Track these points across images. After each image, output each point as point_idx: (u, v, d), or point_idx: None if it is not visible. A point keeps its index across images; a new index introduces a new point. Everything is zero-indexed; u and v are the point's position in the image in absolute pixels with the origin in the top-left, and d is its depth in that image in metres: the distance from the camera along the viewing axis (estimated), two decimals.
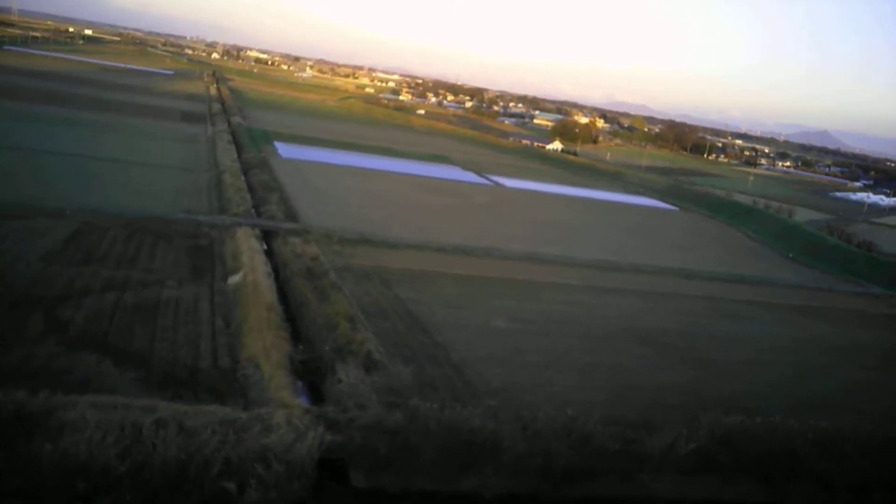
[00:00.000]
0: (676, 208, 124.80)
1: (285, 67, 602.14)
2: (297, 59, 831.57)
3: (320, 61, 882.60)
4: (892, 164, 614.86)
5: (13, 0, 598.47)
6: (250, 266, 46.53)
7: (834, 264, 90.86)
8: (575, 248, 73.88)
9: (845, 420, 36.46)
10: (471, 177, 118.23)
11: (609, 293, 58.09)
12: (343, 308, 41.40)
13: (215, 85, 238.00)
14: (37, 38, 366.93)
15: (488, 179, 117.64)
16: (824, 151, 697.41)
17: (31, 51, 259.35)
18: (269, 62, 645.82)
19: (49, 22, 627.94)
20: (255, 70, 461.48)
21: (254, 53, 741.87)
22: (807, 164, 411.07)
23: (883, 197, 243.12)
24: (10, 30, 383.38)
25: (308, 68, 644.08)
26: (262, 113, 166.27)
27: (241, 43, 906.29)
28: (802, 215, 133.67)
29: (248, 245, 51.25)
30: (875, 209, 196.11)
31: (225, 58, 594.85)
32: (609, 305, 54.02)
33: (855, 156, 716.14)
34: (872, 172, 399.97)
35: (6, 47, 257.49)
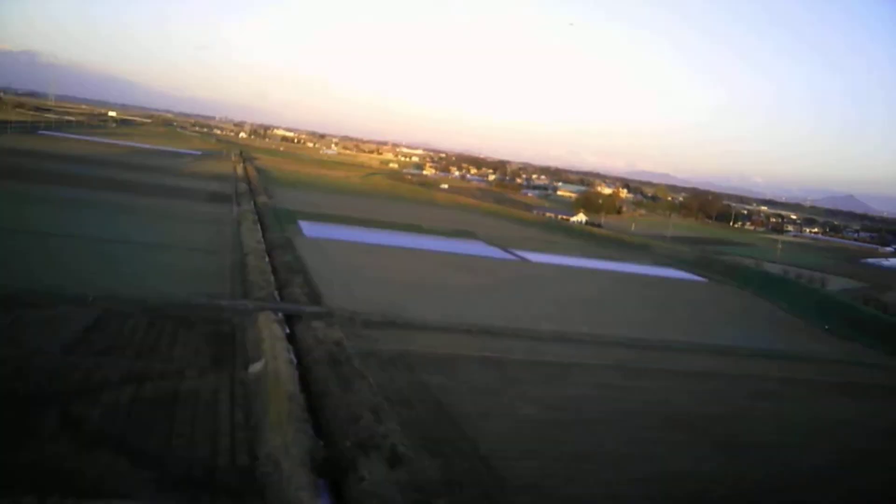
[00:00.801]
0: (705, 280, 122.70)
1: (311, 145, 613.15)
2: (322, 136, 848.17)
3: (345, 138, 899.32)
4: None
5: (50, 86, 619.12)
6: (271, 354, 45.47)
7: (873, 336, 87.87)
8: (604, 325, 72.22)
9: None
10: (496, 252, 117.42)
11: (640, 374, 56.14)
12: (366, 397, 40.07)
13: (242, 164, 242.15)
14: (71, 121, 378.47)
15: (514, 255, 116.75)
16: (851, 216, 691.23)
17: (64, 135, 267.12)
18: (296, 140, 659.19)
19: (84, 106, 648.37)
20: (282, 148, 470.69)
21: (280, 132, 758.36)
22: (835, 230, 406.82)
23: None
24: (47, 115, 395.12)
25: (333, 145, 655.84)
26: (287, 191, 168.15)
27: (268, 122, 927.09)
28: (835, 284, 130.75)
29: (269, 331, 50.31)
30: None
31: (252, 137, 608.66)
32: (641, 388, 52.03)
33: (883, 219, 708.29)
34: None
35: (41, 132, 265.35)
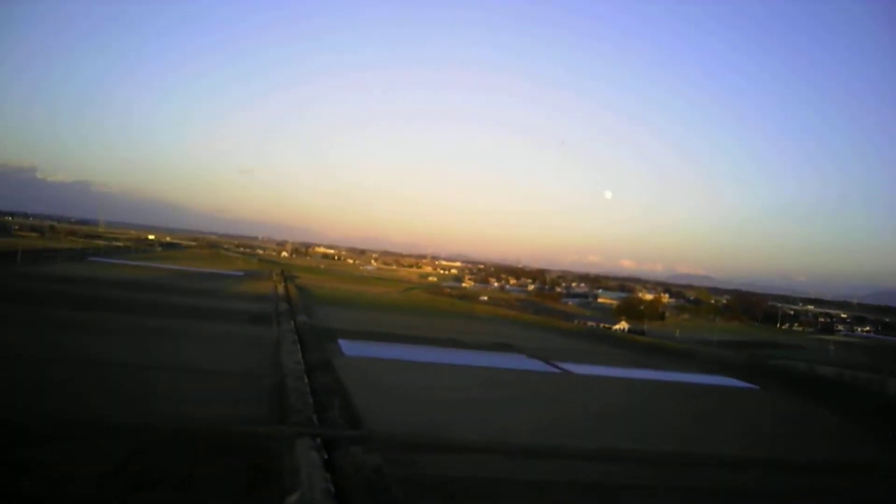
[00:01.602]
0: (756, 386, 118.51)
1: (351, 261, 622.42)
2: (362, 252, 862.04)
3: (385, 253, 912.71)
4: None
5: (100, 213, 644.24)
6: (308, 484, 44.15)
7: None
8: (651, 440, 69.38)
9: None
10: (537, 365, 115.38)
11: (695, 494, 53.31)
12: None
13: (283, 283, 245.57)
14: (119, 247, 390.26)
15: (555, 367, 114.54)
16: None
17: (112, 260, 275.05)
18: (336, 257, 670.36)
19: (132, 231, 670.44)
20: (322, 266, 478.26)
21: (321, 250, 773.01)
22: (887, 327, 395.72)
23: None
24: (96, 241, 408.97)
25: (373, 261, 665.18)
26: (327, 309, 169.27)
27: (309, 240, 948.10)
28: (894, 385, 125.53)
29: (306, 459, 49.08)
30: None
31: (294, 255, 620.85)
32: None
33: None
34: None
35: (90, 258, 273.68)
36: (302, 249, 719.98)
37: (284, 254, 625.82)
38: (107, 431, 52.08)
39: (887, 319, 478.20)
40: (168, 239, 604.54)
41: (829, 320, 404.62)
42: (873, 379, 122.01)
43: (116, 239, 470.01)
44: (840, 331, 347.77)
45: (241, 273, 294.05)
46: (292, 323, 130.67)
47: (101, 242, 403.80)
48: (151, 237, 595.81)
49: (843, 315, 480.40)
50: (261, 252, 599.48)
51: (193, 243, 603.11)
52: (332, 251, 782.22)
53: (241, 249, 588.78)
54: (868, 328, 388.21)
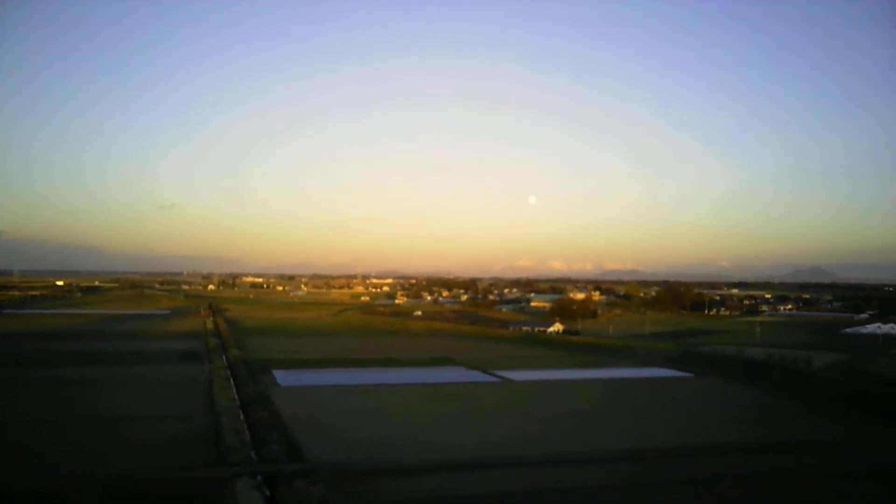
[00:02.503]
0: (691, 374, 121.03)
1: (280, 288, 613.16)
2: (291, 278, 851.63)
3: (315, 276, 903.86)
4: (891, 289, 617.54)
5: (13, 262, 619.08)
6: None
7: (870, 412, 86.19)
8: (596, 440, 69.71)
9: None
10: (477, 376, 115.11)
11: (643, 491, 53.46)
12: None
13: (212, 318, 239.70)
14: (35, 296, 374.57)
15: (495, 376, 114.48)
16: (820, 287, 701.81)
17: (28, 311, 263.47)
18: (265, 285, 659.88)
19: (49, 279, 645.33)
20: (251, 296, 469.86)
21: (249, 279, 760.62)
22: (808, 304, 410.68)
23: (894, 325, 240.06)
24: (10, 292, 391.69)
25: (303, 286, 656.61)
26: (259, 340, 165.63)
27: (236, 270, 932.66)
28: (819, 360, 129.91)
29: (247, 499, 47.34)
30: (891, 340, 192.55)
31: (221, 288, 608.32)
32: None
33: (852, 286, 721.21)
34: (875, 301, 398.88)
35: (5, 311, 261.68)
36: (229, 281, 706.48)
37: (211, 287, 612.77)
38: (27, 495, 49.12)
39: (807, 296, 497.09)
40: (84, 283, 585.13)
41: (753, 302, 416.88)
42: (799, 356, 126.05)
43: (32, 288, 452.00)
44: (764, 311, 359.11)
45: (167, 311, 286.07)
46: (224, 358, 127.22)
47: (16, 293, 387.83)
48: (69, 282, 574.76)
49: (766, 295, 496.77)
50: (186, 287, 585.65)
51: (115, 285, 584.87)
52: (260, 280, 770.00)
53: (166, 287, 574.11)
54: (790, 306, 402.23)
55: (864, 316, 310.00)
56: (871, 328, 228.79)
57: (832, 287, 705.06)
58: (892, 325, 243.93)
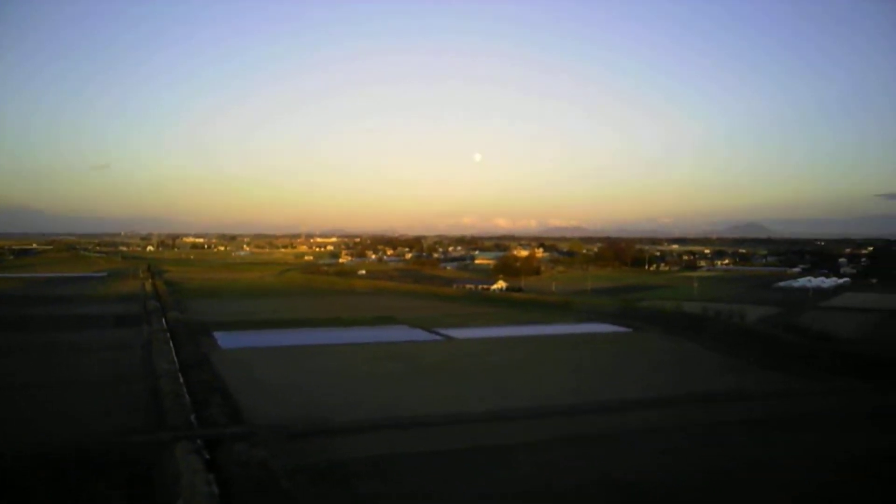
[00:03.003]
0: (630, 329, 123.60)
1: (222, 248, 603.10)
2: (233, 238, 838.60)
3: (258, 236, 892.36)
4: (822, 243, 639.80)
5: None
6: (190, 491, 42.09)
7: (798, 363, 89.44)
8: (538, 396, 70.88)
9: None
10: (420, 334, 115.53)
11: (580, 443, 54.62)
12: None
13: (150, 280, 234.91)
14: None
15: (438, 334, 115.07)
16: (757, 242, 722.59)
17: None
18: (206, 246, 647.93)
19: None
20: (192, 257, 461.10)
21: (190, 240, 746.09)
22: (744, 259, 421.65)
23: (823, 279, 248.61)
24: None
25: (245, 246, 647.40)
26: (200, 302, 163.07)
27: (176, 231, 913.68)
28: (753, 313, 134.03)
29: (187, 463, 46.81)
30: (820, 293, 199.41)
31: (160, 249, 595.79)
32: (582, 458, 50.44)
33: (786, 241, 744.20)
34: (807, 255, 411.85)
35: None
36: (169, 242, 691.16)
37: (150, 248, 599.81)
38: None
39: (743, 251, 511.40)
40: (28, 246, 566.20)
41: (692, 257, 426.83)
42: (734, 310, 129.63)
43: None
44: (703, 266, 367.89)
45: (104, 273, 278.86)
46: (163, 321, 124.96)
47: None
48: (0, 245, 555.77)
49: (705, 251, 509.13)
50: (124, 249, 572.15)
51: (49, 247, 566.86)
52: (201, 240, 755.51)
53: (103, 248, 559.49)
54: (727, 261, 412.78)
55: (796, 270, 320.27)
56: (803, 282, 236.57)
57: (768, 242, 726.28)
58: (822, 278, 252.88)
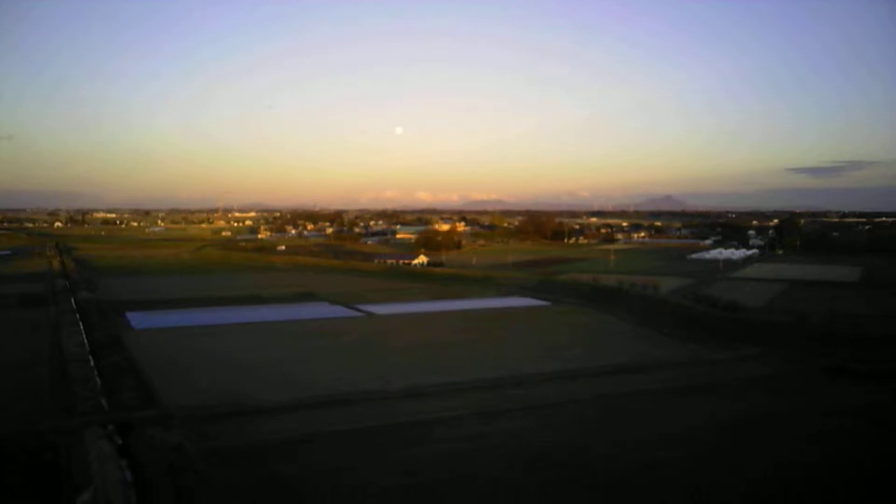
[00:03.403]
0: (549, 303, 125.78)
1: (135, 225, 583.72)
2: (147, 213, 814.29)
3: (173, 211, 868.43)
4: (733, 215, 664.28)
5: None
6: (101, 477, 41.00)
7: (708, 332, 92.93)
8: (457, 371, 71.57)
9: None
10: (340, 311, 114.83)
11: (499, 417, 55.57)
12: None
13: (59, 258, 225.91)
14: None
15: (358, 310, 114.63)
16: (671, 214, 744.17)
17: None
18: (119, 222, 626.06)
19: None
20: (104, 233, 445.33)
21: (101, 215, 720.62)
22: (660, 231, 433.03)
23: (733, 250, 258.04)
24: None
25: (160, 221, 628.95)
26: (112, 281, 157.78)
27: (86, 206, 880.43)
28: (666, 284, 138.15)
29: (97, 449, 45.55)
30: (730, 264, 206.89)
31: (69, 225, 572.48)
32: (501, 432, 51.33)
33: (699, 213, 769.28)
34: (718, 228, 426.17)
35: None
36: (78, 217, 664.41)
37: (58, 224, 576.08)
38: None
39: (658, 223, 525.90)
40: None
41: (610, 230, 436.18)
42: (649, 282, 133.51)
43: None
44: (620, 239, 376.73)
45: (7, 251, 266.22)
46: (72, 301, 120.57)
47: None
48: None
49: (623, 224, 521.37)
50: (30, 225, 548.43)
51: None
52: (113, 216, 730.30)
53: (5, 225, 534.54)
54: (643, 234, 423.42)
55: (708, 242, 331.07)
56: (714, 253, 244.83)
57: (682, 215, 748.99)
58: (732, 250, 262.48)
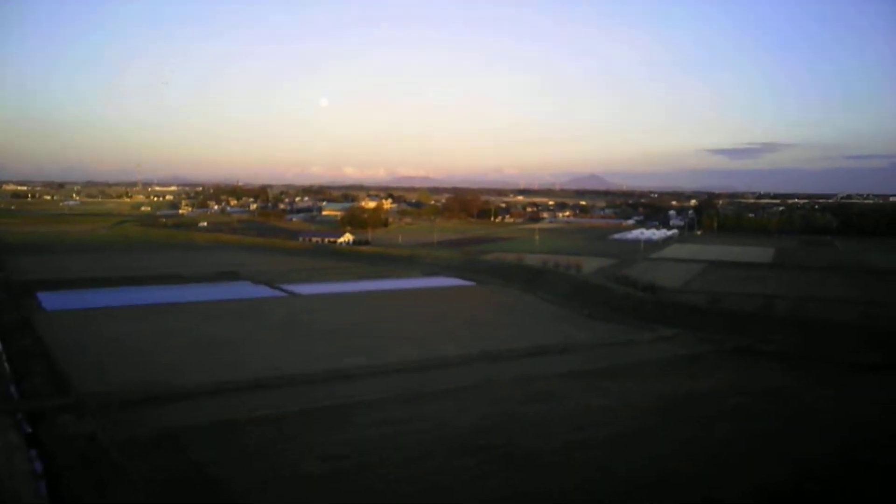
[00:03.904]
0: (474, 283, 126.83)
1: (48, 198, 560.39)
2: (61, 185, 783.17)
3: (89, 183, 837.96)
4: (655, 195, 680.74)
5: None
6: (7, 470, 39.66)
7: (628, 313, 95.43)
8: (380, 353, 71.63)
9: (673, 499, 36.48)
10: (263, 291, 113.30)
11: (421, 400, 56.04)
12: (128, 498, 36.04)
13: None
14: None
15: (282, 290, 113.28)
16: (596, 194, 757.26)
17: None
18: (29, 195, 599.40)
19: None
20: (13, 206, 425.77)
21: (10, 187, 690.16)
22: (584, 211, 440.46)
23: (654, 231, 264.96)
24: None
25: (75, 195, 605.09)
26: (22, 259, 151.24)
27: None
28: (589, 264, 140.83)
29: (2, 441, 44.00)
30: (650, 244, 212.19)
31: None
32: (422, 416, 51.79)
33: (622, 193, 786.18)
34: (641, 208, 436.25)
35: None
36: None
37: None
38: None
39: (583, 202, 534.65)
40: None
41: (535, 209, 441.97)
42: (571, 262, 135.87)
43: None
44: (545, 218, 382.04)
45: None
46: None
47: None
48: None
49: (549, 203, 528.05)
50: None
51: None
52: (24, 188, 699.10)
53: None
54: (568, 213, 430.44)
55: (630, 222, 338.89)
56: (636, 234, 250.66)
57: (606, 194, 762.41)
58: (653, 230, 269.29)
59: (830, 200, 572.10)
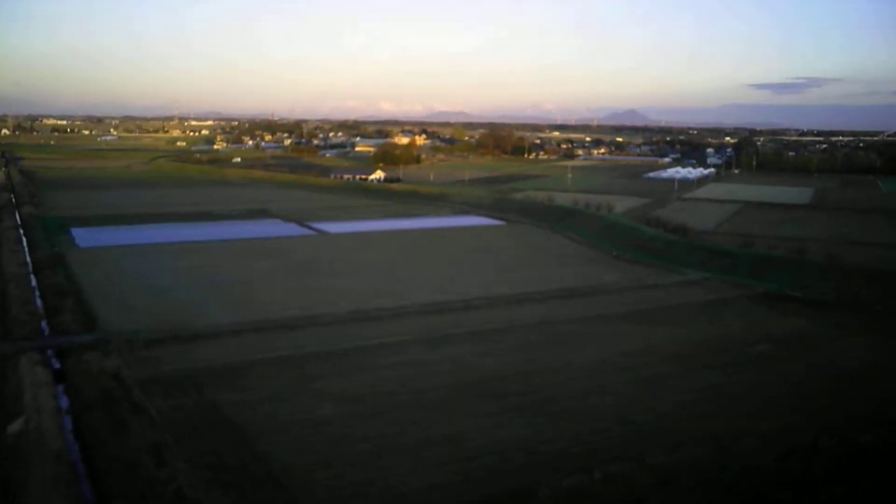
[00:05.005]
0: (503, 223, 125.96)
1: (87, 133, 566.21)
2: (99, 120, 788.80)
3: (126, 118, 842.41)
4: (695, 132, 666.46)
5: None
6: (34, 406, 40.63)
7: (656, 255, 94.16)
8: (405, 294, 71.70)
9: (687, 449, 36.25)
10: (292, 229, 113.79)
11: (443, 343, 56.09)
12: (148, 437, 36.73)
13: (4, 169, 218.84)
14: None
15: (311, 228, 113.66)
16: (634, 130, 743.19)
17: None
18: (69, 129, 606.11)
19: None
20: (53, 142, 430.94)
21: (51, 122, 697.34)
22: (620, 148, 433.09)
23: (691, 169, 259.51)
24: None
25: (112, 130, 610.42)
26: (59, 195, 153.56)
27: (36, 112, 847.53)
28: (621, 204, 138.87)
29: (31, 377, 45.02)
30: (685, 184, 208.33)
31: (17, 132, 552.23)
32: (443, 359, 51.91)
33: (661, 129, 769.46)
34: (678, 146, 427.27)
35: None
36: (27, 124, 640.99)
37: (5, 131, 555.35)
38: None
39: (620, 139, 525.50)
40: None
41: (570, 146, 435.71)
42: (603, 202, 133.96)
43: None
44: (580, 156, 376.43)
45: None
46: (16, 216, 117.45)
47: None
48: None
49: (585, 139, 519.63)
50: None
51: None
52: (64, 123, 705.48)
53: None
54: (603, 150, 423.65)
55: (667, 160, 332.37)
56: (671, 172, 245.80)
57: (644, 130, 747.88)
58: (689, 168, 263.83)
59: (876, 138, 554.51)
